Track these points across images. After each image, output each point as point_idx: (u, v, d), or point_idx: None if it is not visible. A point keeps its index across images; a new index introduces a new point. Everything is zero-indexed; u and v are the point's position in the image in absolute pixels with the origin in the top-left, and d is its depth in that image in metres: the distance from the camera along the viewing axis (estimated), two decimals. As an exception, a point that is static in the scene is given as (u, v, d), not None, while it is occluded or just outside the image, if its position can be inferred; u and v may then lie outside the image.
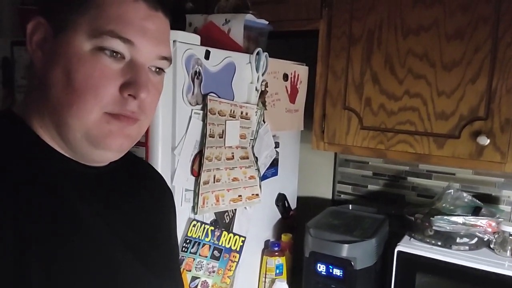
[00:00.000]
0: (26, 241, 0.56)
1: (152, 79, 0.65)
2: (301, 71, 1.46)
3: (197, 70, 1.02)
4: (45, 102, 0.62)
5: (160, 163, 0.96)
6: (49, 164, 0.64)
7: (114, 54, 0.61)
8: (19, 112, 0.65)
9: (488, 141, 1.12)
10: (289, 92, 1.40)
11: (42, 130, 0.64)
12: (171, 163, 0.99)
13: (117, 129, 0.62)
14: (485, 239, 1.18)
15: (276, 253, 1.36)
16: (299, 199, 1.62)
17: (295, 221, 1.56)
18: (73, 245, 0.61)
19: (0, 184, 0.57)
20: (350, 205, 1.56)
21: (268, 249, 1.37)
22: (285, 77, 1.37)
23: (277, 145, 1.38)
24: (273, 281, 1.34)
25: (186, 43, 0.99)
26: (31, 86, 0.66)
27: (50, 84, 0.61)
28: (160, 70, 0.67)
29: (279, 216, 1.47)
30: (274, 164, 1.38)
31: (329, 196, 1.71)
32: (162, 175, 0.88)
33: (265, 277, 1.36)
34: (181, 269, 1.02)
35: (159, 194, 0.84)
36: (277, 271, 1.35)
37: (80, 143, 0.62)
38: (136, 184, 0.78)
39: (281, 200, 1.46)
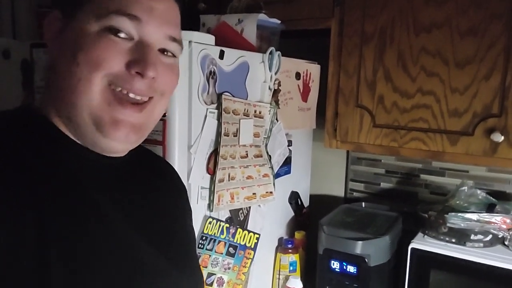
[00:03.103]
0: (48, 235, 0.57)
1: (164, 60, 0.65)
2: (313, 69, 1.46)
3: (212, 70, 1.04)
4: (58, 91, 0.64)
5: (177, 162, 0.98)
6: (70, 156, 0.64)
7: (122, 34, 0.61)
8: (38, 107, 0.67)
9: (502, 138, 1.12)
10: (301, 90, 1.41)
11: (59, 121, 0.65)
12: (187, 161, 1.01)
13: (122, 117, 0.62)
14: (500, 236, 1.18)
15: (290, 250, 1.37)
16: (312, 197, 1.63)
17: (308, 218, 1.57)
18: (94, 238, 0.62)
19: (21, 178, 0.58)
20: (363, 203, 1.56)
21: (282, 246, 1.39)
22: (298, 75, 1.38)
23: (290, 143, 1.39)
24: (287, 278, 1.35)
25: (201, 43, 1.00)
26: (48, 80, 0.68)
27: (60, 70, 0.63)
28: (171, 54, 0.66)
29: (292, 213, 1.48)
30: (287, 162, 1.39)
31: (342, 194, 1.72)
32: (178, 173, 0.89)
33: (279, 274, 1.37)
34: (198, 265, 1.03)
35: (176, 190, 0.85)
36: (291, 268, 1.36)
37: (88, 128, 0.62)
38: (153, 179, 0.79)
39: (294, 198, 1.47)
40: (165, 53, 0.66)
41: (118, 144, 0.65)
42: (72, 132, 0.65)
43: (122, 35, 0.61)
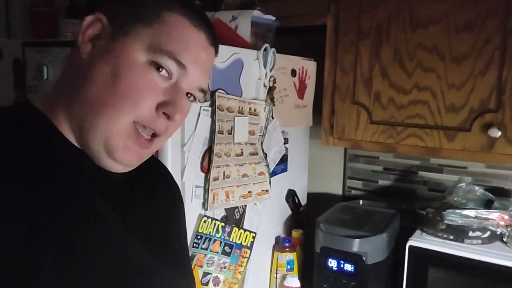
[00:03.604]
0: (40, 237, 0.56)
1: (186, 105, 0.67)
2: (309, 66, 1.45)
3: (205, 67, 1.03)
4: (77, 96, 0.63)
5: (170, 160, 0.97)
6: (66, 158, 0.64)
7: (164, 72, 0.63)
8: (40, 105, 0.66)
9: (500, 133, 1.11)
10: (297, 87, 1.40)
11: (65, 125, 0.64)
12: (180, 160, 1.00)
13: (134, 147, 0.64)
14: (498, 233, 1.17)
15: (287, 249, 1.36)
16: (309, 195, 1.62)
17: (306, 217, 1.56)
18: (88, 239, 0.61)
19: (17, 179, 0.57)
20: (361, 201, 1.55)
21: (279, 245, 1.38)
22: (293, 72, 1.37)
23: (286, 141, 1.38)
24: (284, 277, 1.34)
25: (193, 40, 0.99)
26: (64, 81, 0.67)
27: (93, 80, 0.62)
28: (193, 99, 0.69)
29: (290, 212, 1.47)
30: (284, 160, 1.38)
31: (340, 191, 1.70)
32: (171, 171, 0.88)
33: (276, 273, 1.36)
34: (193, 265, 1.03)
35: (168, 190, 0.85)
36: (288, 267, 1.36)
37: (96, 147, 0.63)
38: (148, 180, 0.79)
39: (291, 196, 1.46)
40: (189, 96, 0.68)
41: (120, 166, 0.66)
42: (76, 137, 0.65)
43: (164, 73, 0.63)
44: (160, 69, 0.63)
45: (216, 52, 0.71)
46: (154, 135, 0.66)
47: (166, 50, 0.62)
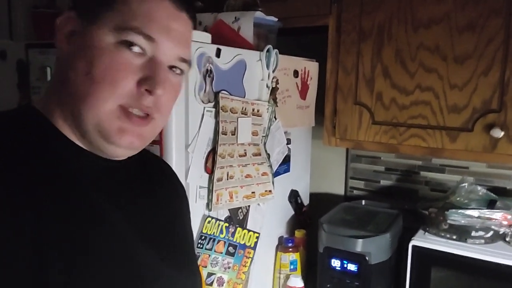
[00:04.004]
0: (46, 236, 0.57)
1: (171, 79, 0.66)
2: (311, 67, 1.46)
3: (209, 68, 1.03)
4: (65, 94, 0.64)
5: (174, 161, 0.97)
6: (69, 157, 0.65)
7: (136, 49, 0.62)
8: (39, 107, 0.67)
9: (502, 133, 1.11)
10: (299, 88, 1.41)
11: (62, 123, 0.65)
12: (185, 160, 1.00)
13: (129, 127, 0.63)
14: (501, 232, 1.17)
15: (290, 249, 1.36)
16: (312, 196, 1.62)
17: (308, 217, 1.56)
18: (93, 239, 0.62)
19: (19, 179, 0.58)
20: (363, 201, 1.55)
21: (282, 245, 1.38)
22: (296, 73, 1.38)
23: (288, 141, 1.38)
24: (287, 277, 1.34)
25: (197, 41, 1.00)
26: (55, 80, 0.68)
27: (72, 75, 0.63)
28: (180, 72, 0.68)
29: (292, 212, 1.47)
30: (286, 160, 1.39)
31: (342, 192, 1.71)
32: (176, 172, 0.89)
33: (280, 273, 1.36)
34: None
35: (174, 190, 0.85)
36: (292, 267, 1.36)
37: (93, 135, 0.63)
38: (152, 180, 0.79)
39: (294, 196, 1.47)
40: (174, 69, 0.67)
41: (123, 150, 0.66)
42: (74, 134, 0.65)
43: (136, 49, 0.62)
44: (132, 47, 0.62)
45: (192, 17, 0.69)
46: (148, 116, 0.65)
47: (131, 26, 0.61)
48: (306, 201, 1.57)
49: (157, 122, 0.67)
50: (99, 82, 0.61)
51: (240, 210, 1.17)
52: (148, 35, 0.62)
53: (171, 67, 0.66)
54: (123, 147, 0.65)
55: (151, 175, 0.80)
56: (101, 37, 0.62)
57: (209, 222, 1.06)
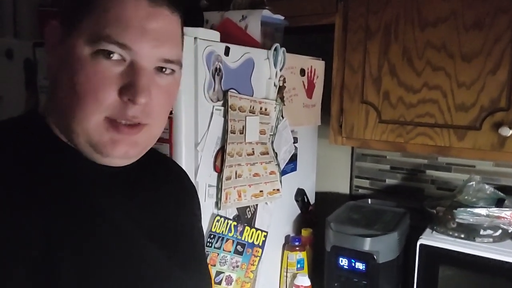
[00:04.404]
0: (57, 236, 0.57)
1: (159, 81, 0.62)
2: (318, 66, 1.46)
3: (218, 67, 1.03)
4: (57, 107, 0.63)
5: (184, 159, 0.97)
6: (71, 163, 0.64)
7: (115, 56, 0.59)
8: (43, 112, 0.66)
9: (511, 132, 1.11)
10: (306, 87, 1.40)
11: (60, 133, 0.64)
12: (194, 159, 1.00)
13: (120, 137, 0.61)
14: (509, 231, 1.17)
15: (297, 248, 1.36)
16: (317, 194, 1.62)
17: (315, 216, 1.56)
18: (99, 240, 0.62)
19: (25, 183, 0.58)
20: (369, 199, 1.55)
21: (289, 244, 1.38)
22: (302, 72, 1.37)
23: (295, 140, 1.38)
24: (294, 276, 1.34)
25: (206, 40, 0.99)
26: (49, 90, 0.67)
27: (58, 89, 0.62)
28: (170, 71, 0.64)
29: (299, 211, 1.47)
30: (293, 159, 1.39)
31: (347, 191, 1.71)
32: (186, 171, 0.88)
33: (287, 272, 1.36)
34: (206, 264, 1.02)
35: (183, 189, 0.84)
36: (298, 266, 1.36)
37: (86, 149, 0.62)
38: (159, 179, 0.78)
39: (300, 195, 1.46)
40: (163, 70, 0.63)
41: (119, 160, 0.64)
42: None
43: (115, 57, 0.59)
44: (111, 54, 0.58)
45: (174, 10, 0.63)
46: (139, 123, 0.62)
47: (104, 36, 0.57)
48: (312, 200, 1.57)
49: (151, 128, 0.64)
50: (82, 96, 0.58)
51: (248, 209, 1.17)
52: (122, 43, 0.58)
53: (159, 68, 0.63)
54: (117, 157, 0.63)
55: (158, 175, 0.79)
56: (77, 49, 0.59)
57: (218, 220, 1.06)
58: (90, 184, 0.64)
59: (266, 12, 1.24)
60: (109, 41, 0.58)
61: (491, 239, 1.17)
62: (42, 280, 0.54)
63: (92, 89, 0.58)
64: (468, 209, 1.17)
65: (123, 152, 0.62)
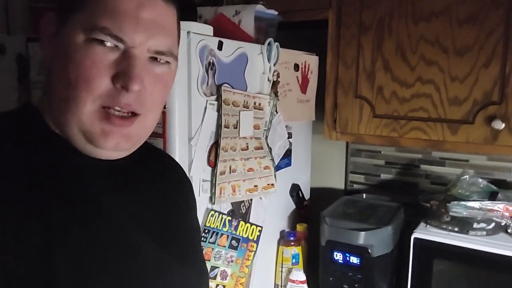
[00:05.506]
0: (52, 228, 0.57)
1: (154, 70, 0.63)
2: (312, 61, 1.46)
3: (211, 61, 1.03)
4: (51, 100, 0.63)
5: (178, 154, 0.97)
6: (69, 158, 0.64)
7: (109, 43, 0.59)
8: (38, 106, 0.67)
9: (503, 125, 1.12)
10: (300, 82, 1.40)
11: (55, 126, 0.65)
12: (188, 153, 1.00)
13: (111, 129, 0.61)
14: (503, 224, 1.18)
15: (292, 243, 1.36)
16: (312, 190, 1.62)
17: (309, 211, 1.56)
18: (96, 232, 0.62)
19: (22, 179, 0.58)
20: (364, 194, 1.56)
21: (284, 239, 1.38)
22: (296, 67, 1.37)
23: (289, 135, 1.38)
24: (289, 271, 1.34)
25: (199, 34, 0.99)
26: (44, 84, 0.67)
27: (53, 80, 0.62)
28: (165, 61, 0.65)
29: (294, 206, 1.47)
30: (288, 154, 1.39)
31: (342, 186, 1.71)
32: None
33: (282, 267, 1.36)
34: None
35: (178, 183, 0.84)
36: (294, 261, 1.36)
37: (79, 139, 0.62)
38: (155, 173, 0.79)
39: (295, 190, 1.47)
40: (158, 59, 0.64)
41: (111, 152, 0.65)
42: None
43: (108, 44, 0.59)
44: (104, 42, 0.59)
45: (173, 2, 0.64)
46: (134, 114, 0.63)
47: (100, 27, 0.58)
48: (307, 195, 1.57)
49: (145, 119, 0.64)
50: (75, 84, 0.59)
51: (242, 204, 1.17)
52: (118, 37, 0.59)
53: (154, 58, 0.63)
54: (109, 149, 0.63)
55: (155, 170, 0.79)
56: (72, 39, 0.60)
57: (212, 215, 1.06)
58: (86, 178, 0.65)
59: (259, 7, 1.24)
60: (104, 32, 0.59)
61: (484, 232, 1.17)
62: (38, 273, 0.54)
63: (85, 75, 0.59)
64: (462, 203, 1.18)
65: (114, 144, 0.62)
